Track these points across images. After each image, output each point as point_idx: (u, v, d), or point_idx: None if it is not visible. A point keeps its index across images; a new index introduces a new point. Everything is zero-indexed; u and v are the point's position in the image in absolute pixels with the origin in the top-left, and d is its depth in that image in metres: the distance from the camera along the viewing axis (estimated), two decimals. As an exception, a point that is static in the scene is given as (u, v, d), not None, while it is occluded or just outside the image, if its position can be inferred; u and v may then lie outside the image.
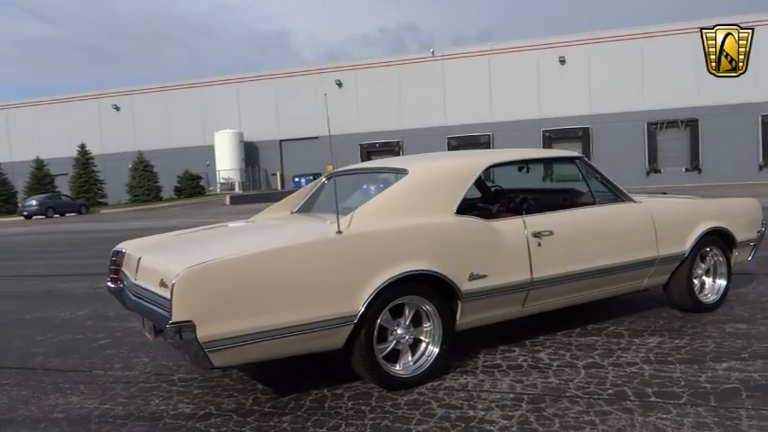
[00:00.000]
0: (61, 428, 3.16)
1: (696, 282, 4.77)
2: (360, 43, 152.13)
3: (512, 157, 4.28)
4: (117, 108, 48.46)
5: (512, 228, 3.81)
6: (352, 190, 4.45)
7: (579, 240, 4.07)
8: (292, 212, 4.57)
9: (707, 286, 4.86)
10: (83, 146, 40.33)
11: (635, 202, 4.44)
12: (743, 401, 3.06)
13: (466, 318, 3.65)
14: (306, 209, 4.56)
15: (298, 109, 44.41)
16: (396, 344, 3.46)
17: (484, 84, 41.77)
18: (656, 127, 38.16)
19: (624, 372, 3.55)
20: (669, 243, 4.46)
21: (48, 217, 32.38)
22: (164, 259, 3.39)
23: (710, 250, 4.80)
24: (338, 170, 4.70)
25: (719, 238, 4.81)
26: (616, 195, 4.42)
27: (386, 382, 3.39)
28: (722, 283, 4.85)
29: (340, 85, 44.32)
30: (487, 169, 4.12)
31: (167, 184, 41.07)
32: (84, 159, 39.41)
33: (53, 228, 23.86)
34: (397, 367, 3.46)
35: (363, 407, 3.21)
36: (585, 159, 4.47)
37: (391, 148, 43.96)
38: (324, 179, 4.71)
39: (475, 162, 4.03)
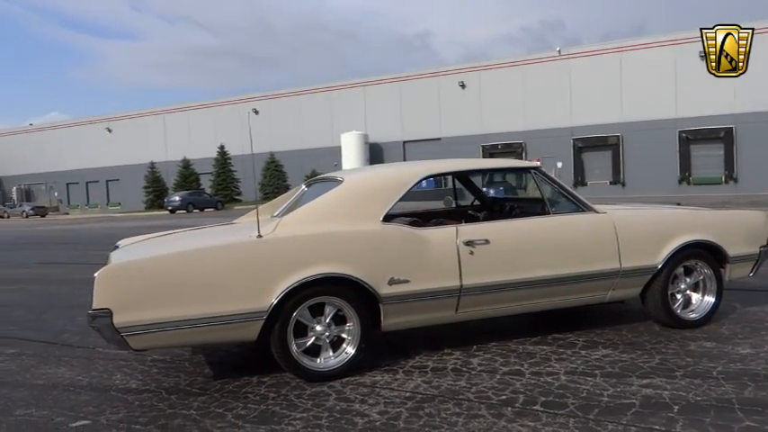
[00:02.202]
0: (30, 392, 3.82)
1: (679, 297, 4.60)
2: (501, 43, 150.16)
3: (450, 167, 4.40)
4: (256, 112, 51.87)
5: (442, 236, 3.96)
6: (315, 196, 4.77)
7: (520, 250, 4.12)
8: (273, 216, 4.99)
9: (693, 302, 4.65)
10: (222, 147, 43.71)
11: (596, 212, 4.38)
12: (623, 417, 3.04)
13: (390, 320, 3.87)
14: (283, 213, 4.95)
15: (421, 111, 45.14)
16: (316, 339, 3.76)
17: (614, 82, 39.89)
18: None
19: (537, 381, 3.60)
20: (635, 255, 4.35)
21: (188, 212, 35.53)
22: (116, 256, 3.95)
23: (696, 264, 4.59)
24: (316, 177, 5.05)
25: (708, 252, 4.59)
26: (576, 206, 4.38)
27: (302, 374, 3.71)
28: (710, 299, 4.62)
29: (463, 86, 44.35)
30: (426, 178, 4.27)
31: (296, 183, 43.38)
32: (222, 160, 42.72)
33: (184, 222, 26.19)
34: (318, 361, 3.76)
35: (272, 394, 3.56)
36: (542, 170, 4.48)
37: (514, 150, 43.29)
38: (303, 186, 5.09)
39: (409, 173, 4.21)
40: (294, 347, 3.68)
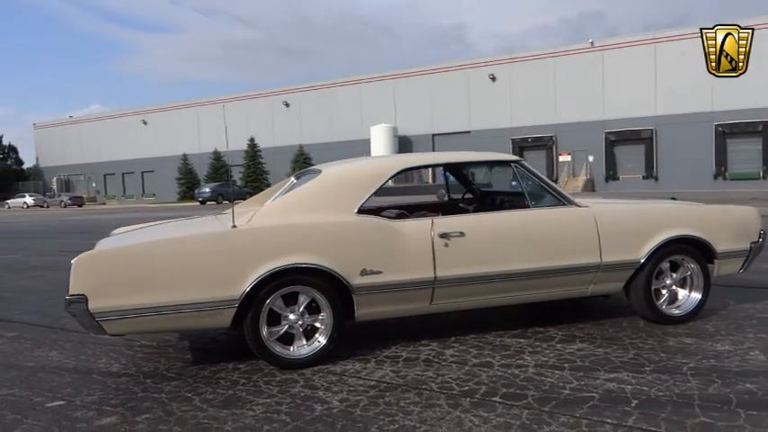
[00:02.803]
0: (19, 373, 3.99)
1: (665, 292, 4.56)
2: (538, 34, 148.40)
3: (427, 160, 4.42)
4: (287, 104, 52.36)
5: (417, 228, 4.00)
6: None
7: (496, 243, 4.13)
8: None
9: (680, 298, 4.61)
10: (252, 139, 44.24)
11: (578, 206, 4.37)
12: (578, 410, 3.05)
13: (364, 310, 3.93)
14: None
15: (450, 103, 44.99)
16: (289, 328, 3.84)
17: (648, 74, 39.12)
18: None
19: (504, 373, 3.62)
20: (617, 250, 4.33)
21: (218, 203, 36.06)
22: (101, 244, 4.09)
23: (683, 260, 4.54)
24: (307, 169, 5.13)
25: (695, 248, 4.53)
26: (557, 200, 4.37)
27: (274, 362, 3.80)
28: (696, 296, 4.56)
29: (494, 79, 44.06)
30: (402, 171, 4.31)
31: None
32: (252, 152, 43.23)
33: (209, 212, 26.61)
34: (291, 349, 3.85)
35: (242, 380, 3.66)
36: (523, 163, 4.48)
37: (544, 143, 42.91)
38: (293, 178, 5.16)
39: (384, 166, 4.26)
40: (266, 335, 3.76)
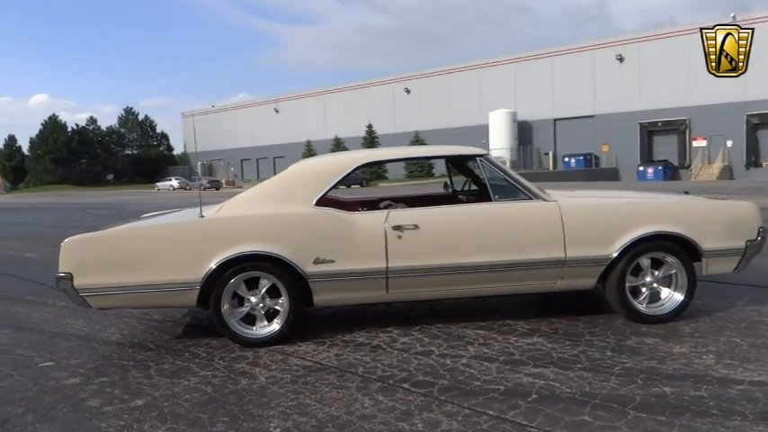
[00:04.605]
0: (40, 337, 4.71)
1: (644, 290, 4.43)
2: (688, 8, 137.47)
3: (388, 155, 4.57)
4: (408, 91, 52.94)
5: (370, 220, 4.22)
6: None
7: (451, 235, 4.23)
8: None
9: (663, 297, 4.45)
10: (369, 126, 45.31)
11: (544, 200, 4.34)
12: (472, 400, 3.16)
13: (321, 296, 4.22)
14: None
15: (574, 87, 43.32)
16: (251, 310, 4.22)
17: (799, 49, 35.24)
18: None
19: (435, 362, 3.77)
20: (584, 245, 4.27)
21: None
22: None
23: (665, 257, 4.38)
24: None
25: (678, 245, 4.35)
26: (523, 193, 4.37)
27: (236, 340, 4.20)
28: (677, 296, 4.39)
29: (621, 59, 41.75)
30: (363, 166, 4.51)
31: (440, 162, 43.83)
32: (370, 138, 44.29)
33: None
34: (254, 329, 4.23)
35: (203, 354, 4.10)
36: (488, 156, 4.50)
37: (676, 128, 40.17)
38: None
39: (344, 161, 4.49)
40: (228, 315, 4.16)
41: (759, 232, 4.46)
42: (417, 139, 44.07)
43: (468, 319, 4.68)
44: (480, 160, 4.47)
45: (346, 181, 5.01)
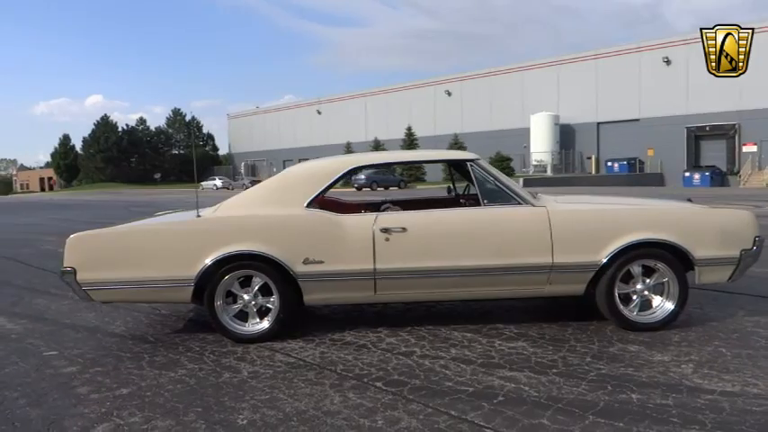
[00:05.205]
0: (53, 328, 4.97)
1: (635, 297, 4.42)
2: (745, 8, 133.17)
3: (379, 159, 4.65)
4: (449, 93, 52.85)
5: (359, 223, 4.33)
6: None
7: (438, 239, 4.30)
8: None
9: (655, 305, 4.43)
10: (409, 128, 45.42)
11: (533, 206, 4.38)
12: (437, 401, 3.24)
13: (311, 295, 4.35)
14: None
15: (618, 90, 42.54)
16: (243, 307, 4.38)
17: None
18: None
19: (413, 362, 3.86)
20: (572, 251, 4.29)
21: (372, 189, 37.67)
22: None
23: (656, 265, 4.36)
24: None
25: (669, 253, 4.33)
26: (512, 198, 4.41)
27: (228, 335, 4.37)
28: (667, 305, 4.36)
29: (668, 62, 40.80)
30: (354, 170, 4.62)
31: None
32: (409, 140, 44.38)
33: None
34: (246, 326, 4.39)
35: (196, 348, 4.27)
36: (479, 162, 4.54)
37: (725, 132, 39.03)
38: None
39: (336, 164, 4.60)
40: (221, 311, 4.33)
41: (755, 241, 4.40)
42: (456, 142, 43.94)
43: (458, 321, 4.74)
44: (471, 165, 4.53)
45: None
